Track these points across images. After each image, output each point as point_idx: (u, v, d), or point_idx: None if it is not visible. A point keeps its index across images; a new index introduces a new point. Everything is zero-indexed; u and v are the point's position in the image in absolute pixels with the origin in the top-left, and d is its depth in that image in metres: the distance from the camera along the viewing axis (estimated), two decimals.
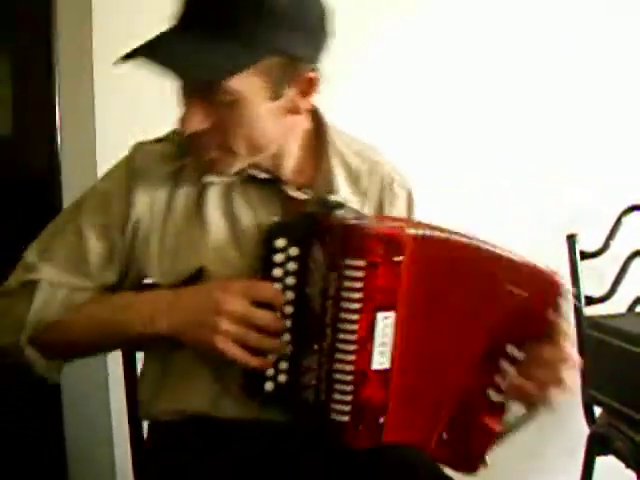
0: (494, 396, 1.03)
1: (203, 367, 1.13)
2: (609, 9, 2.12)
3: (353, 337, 0.98)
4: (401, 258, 0.98)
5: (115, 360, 1.41)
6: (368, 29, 1.90)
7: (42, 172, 1.95)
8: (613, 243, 1.96)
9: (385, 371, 1.00)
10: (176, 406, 1.15)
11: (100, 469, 1.94)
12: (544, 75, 2.08)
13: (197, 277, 1.12)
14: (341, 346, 0.98)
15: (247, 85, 1.00)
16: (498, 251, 1.02)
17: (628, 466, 1.70)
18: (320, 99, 1.12)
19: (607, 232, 1.97)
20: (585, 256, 1.92)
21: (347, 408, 0.99)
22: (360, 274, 0.97)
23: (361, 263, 0.97)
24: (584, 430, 1.86)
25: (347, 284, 0.97)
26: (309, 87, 1.07)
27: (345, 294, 0.98)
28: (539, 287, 1.01)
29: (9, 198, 1.99)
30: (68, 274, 1.12)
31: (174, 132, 1.17)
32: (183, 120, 1.04)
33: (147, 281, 1.21)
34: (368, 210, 1.20)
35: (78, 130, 1.88)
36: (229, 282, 1.07)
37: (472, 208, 1.94)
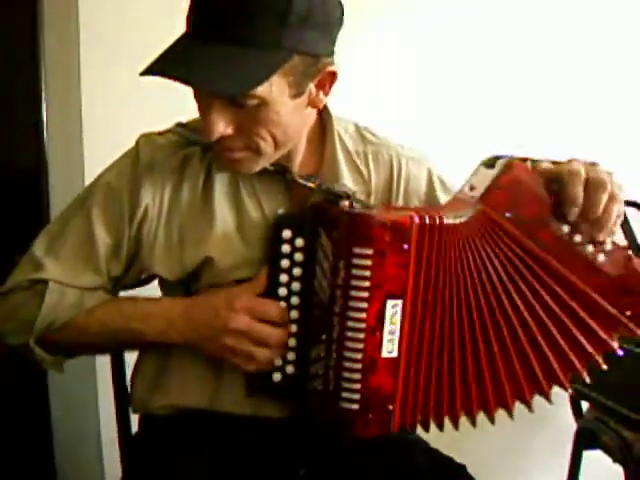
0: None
1: (201, 363, 1.15)
2: (596, 10, 2.13)
3: (362, 325, 0.99)
4: (408, 246, 0.99)
5: (102, 358, 1.41)
6: (362, 26, 1.91)
7: (29, 172, 1.93)
8: None
9: (394, 359, 1.01)
10: (174, 401, 1.16)
11: (88, 465, 1.94)
12: (533, 74, 2.10)
13: (202, 268, 1.13)
14: (350, 334, 1.00)
15: (271, 88, 1.00)
16: None
17: (615, 460, 1.71)
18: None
19: None
20: None
21: (356, 396, 1.00)
22: (368, 262, 0.98)
23: (369, 251, 0.98)
24: (571, 425, 1.87)
25: (356, 272, 0.99)
26: (329, 80, 1.07)
27: (354, 282, 0.99)
28: (523, 193, 1.01)
29: None
30: (76, 270, 1.13)
31: (178, 124, 1.19)
32: (208, 126, 1.03)
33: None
34: (374, 196, 1.20)
35: (65, 129, 1.87)
36: (235, 299, 1.08)
37: None
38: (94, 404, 1.89)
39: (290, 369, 1.09)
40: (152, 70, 0.98)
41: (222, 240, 1.13)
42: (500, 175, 1.02)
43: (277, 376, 1.10)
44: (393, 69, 2.00)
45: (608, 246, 1.03)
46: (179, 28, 1.78)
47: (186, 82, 0.98)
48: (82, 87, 1.82)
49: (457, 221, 1.01)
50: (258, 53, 0.97)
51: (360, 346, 0.99)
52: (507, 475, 2.14)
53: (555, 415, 2.05)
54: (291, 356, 1.09)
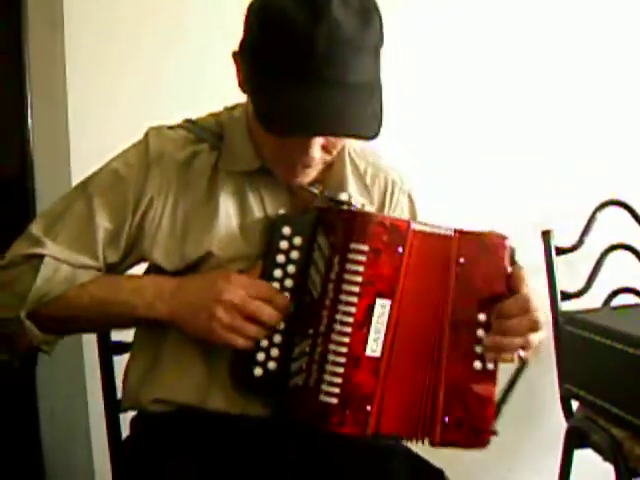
0: (479, 365, 1.06)
1: (193, 359, 1.15)
2: (590, 12, 2.14)
3: (350, 319, 1.01)
4: (402, 249, 1.02)
5: (91, 349, 1.41)
6: None
7: (14, 175, 1.92)
8: (588, 238, 1.97)
9: (376, 359, 1.02)
10: (165, 395, 1.17)
11: (78, 467, 1.93)
12: (522, 73, 2.10)
13: (202, 262, 1.14)
14: (338, 327, 1.01)
15: None
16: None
17: (606, 459, 1.72)
18: None
19: (582, 228, 1.99)
20: (560, 252, 1.94)
21: (336, 390, 1.02)
22: (363, 258, 1.01)
23: (365, 247, 1.01)
24: (562, 424, 1.87)
25: (349, 267, 1.01)
26: None
27: (347, 276, 1.01)
28: (484, 250, 1.06)
29: None
30: (73, 251, 1.13)
31: (185, 121, 1.21)
32: (311, 157, 1.07)
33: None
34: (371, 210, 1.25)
35: (51, 131, 1.85)
36: (233, 274, 1.10)
37: (446, 204, 1.93)
38: (83, 405, 1.88)
39: (272, 365, 1.10)
40: (314, 131, 1.03)
41: (224, 236, 1.14)
42: (488, 233, 1.07)
43: (258, 371, 1.10)
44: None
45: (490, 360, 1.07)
46: (163, 31, 1.80)
47: (361, 137, 1.05)
48: (68, 89, 1.82)
49: (448, 233, 1.06)
50: (373, 91, 1.04)
51: (346, 340, 1.01)
52: (498, 475, 2.14)
53: (545, 415, 2.06)
54: (275, 352, 1.10)
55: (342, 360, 1.01)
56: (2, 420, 1.90)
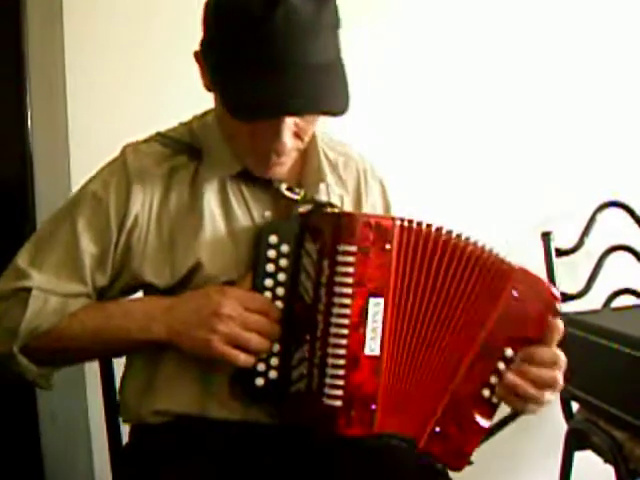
0: (487, 394, 1.06)
1: (190, 369, 1.14)
2: (589, 16, 2.14)
3: (346, 321, 1.01)
4: (390, 246, 1.02)
5: (91, 364, 1.40)
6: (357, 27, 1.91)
7: (13, 180, 1.91)
8: (588, 240, 1.98)
9: (376, 358, 1.02)
10: (165, 406, 1.16)
11: (78, 470, 1.93)
12: (522, 74, 2.10)
13: (192, 274, 1.13)
14: (334, 330, 1.01)
15: None
16: (494, 252, 1.07)
17: (606, 461, 1.72)
18: None
19: (582, 229, 1.99)
20: (560, 253, 1.94)
21: (339, 392, 1.01)
22: (352, 259, 1.01)
23: (353, 248, 1.01)
24: (562, 426, 1.87)
25: (339, 269, 1.01)
26: None
27: (338, 279, 1.01)
28: (539, 294, 1.06)
29: None
30: (61, 279, 1.12)
31: (157, 134, 1.20)
32: (282, 145, 1.07)
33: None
34: (348, 201, 1.25)
35: (50, 136, 1.85)
36: (227, 287, 1.09)
37: (446, 206, 1.94)
38: (84, 409, 1.87)
39: (273, 374, 1.09)
40: (283, 112, 1.02)
41: (212, 243, 1.13)
42: (544, 281, 1.09)
43: (260, 381, 1.10)
44: (375, 73, 2.01)
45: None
46: (164, 30, 1.80)
47: (327, 113, 1.03)
48: (67, 94, 1.81)
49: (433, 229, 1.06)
50: (338, 68, 1.05)
51: (344, 342, 1.01)
52: (498, 477, 2.14)
53: (546, 416, 2.06)
54: (274, 361, 1.09)
55: (342, 362, 1.01)
56: (2, 424, 1.90)
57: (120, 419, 1.29)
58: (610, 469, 1.68)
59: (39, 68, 1.84)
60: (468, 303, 1.06)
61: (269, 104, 1.00)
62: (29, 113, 1.86)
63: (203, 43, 1.09)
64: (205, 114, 1.22)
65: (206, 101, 1.16)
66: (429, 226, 1.05)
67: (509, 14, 2.09)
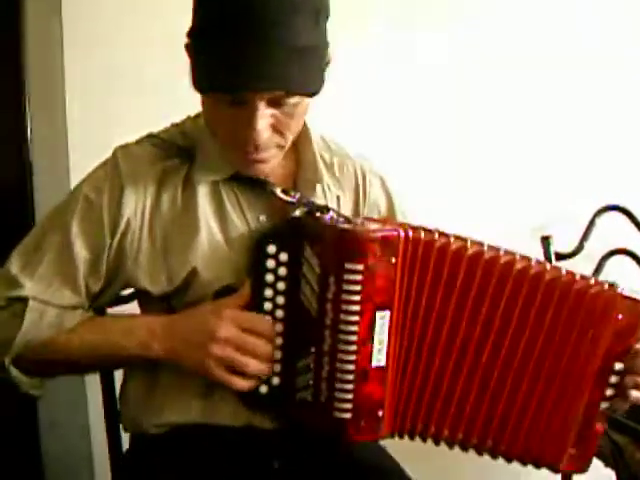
0: (605, 405, 1.11)
1: (191, 379, 1.13)
2: (589, 20, 2.14)
3: (354, 338, 1.01)
4: (395, 259, 1.02)
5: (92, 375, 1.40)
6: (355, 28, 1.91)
7: (13, 179, 1.91)
8: (587, 244, 1.97)
9: (382, 368, 1.03)
10: (167, 419, 1.15)
11: (78, 477, 1.92)
12: (522, 77, 2.10)
13: (189, 280, 1.12)
14: (343, 347, 1.01)
15: None
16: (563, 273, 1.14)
17: (607, 465, 1.71)
18: None
19: (581, 233, 1.98)
20: (560, 257, 1.93)
21: (349, 405, 1.03)
22: (359, 277, 1.00)
23: (360, 267, 1.00)
24: None
25: (347, 287, 1.00)
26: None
27: (345, 297, 1.00)
28: (635, 312, 1.11)
29: None
30: (54, 286, 1.10)
31: (149, 135, 1.18)
32: (257, 134, 1.03)
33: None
34: (345, 202, 1.24)
35: (49, 135, 1.85)
36: (222, 307, 1.08)
37: (446, 209, 1.94)
38: (84, 416, 1.87)
39: (276, 380, 1.09)
40: (238, 86, 0.98)
41: (207, 247, 1.12)
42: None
43: (263, 388, 1.09)
44: (376, 75, 2.01)
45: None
46: (163, 31, 1.80)
47: (280, 89, 0.99)
48: (66, 91, 1.81)
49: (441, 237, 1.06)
50: (312, 51, 1.00)
51: (352, 358, 1.01)
52: (499, 477, 2.13)
53: None
54: (277, 368, 1.09)
55: (351, 377, 1.02)
56: (3, 432, 1.89)
57: (120, 426, 1.29)
58: (611, 473, 1.68)
59: (38, 68, 1.84)
60: (567, 330, 1.10)
61: (235, 76, 0.97)
62: (28, 113, 1.85)
63: (189, 32, 1.05)
64: (199, 115, 1.19)
65: None
66: (431, 233, 1.05)
67: (511, 16, 2.09)
